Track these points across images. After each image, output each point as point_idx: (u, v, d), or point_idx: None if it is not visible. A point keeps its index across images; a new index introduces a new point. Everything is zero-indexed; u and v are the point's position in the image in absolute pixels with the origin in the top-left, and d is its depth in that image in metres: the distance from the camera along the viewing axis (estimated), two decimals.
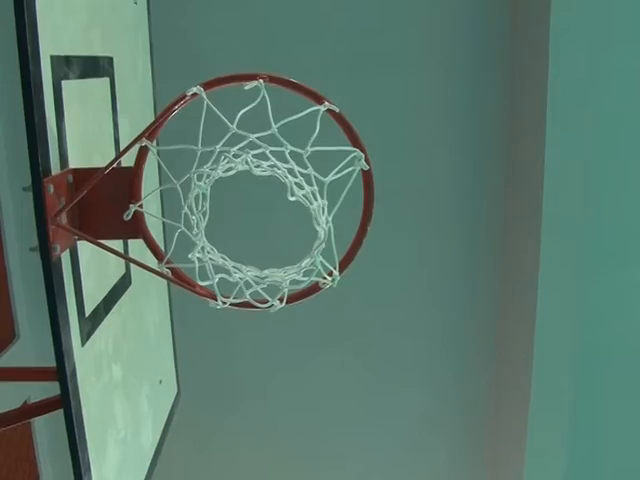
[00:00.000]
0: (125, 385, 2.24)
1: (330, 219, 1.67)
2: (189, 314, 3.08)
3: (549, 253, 3.54)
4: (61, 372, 1.70)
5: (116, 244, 1.94)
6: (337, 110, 1.68)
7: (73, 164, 1.76)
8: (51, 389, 1.75)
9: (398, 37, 3.74)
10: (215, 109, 1.62)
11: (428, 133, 3.88)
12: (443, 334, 4.21)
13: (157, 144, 1.79)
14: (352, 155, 1.67)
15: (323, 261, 1.70)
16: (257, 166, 1.60)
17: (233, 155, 1.60)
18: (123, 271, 2.26)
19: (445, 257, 4.08)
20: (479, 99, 3.82)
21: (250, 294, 1.64)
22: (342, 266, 1.74)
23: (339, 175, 1.65)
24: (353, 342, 4.17)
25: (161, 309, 2.87)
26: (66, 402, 1.70)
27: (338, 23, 3.75)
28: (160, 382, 2.76)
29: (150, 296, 2.67)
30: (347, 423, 4.31)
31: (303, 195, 1.62)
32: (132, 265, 2.25)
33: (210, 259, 1.62)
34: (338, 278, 1.72)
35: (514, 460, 4.00)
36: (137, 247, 1.96)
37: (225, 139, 1.60)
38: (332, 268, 1.71)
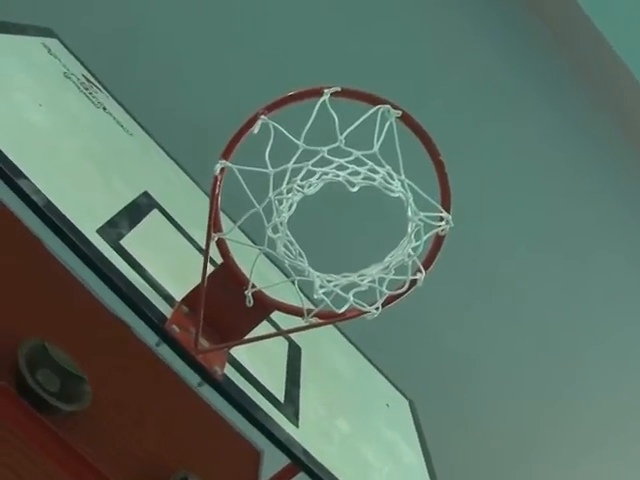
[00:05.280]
0: (357, 430, 2.26)
1: (403, 177, 1.63)
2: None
3: None
4: (297, 461, 1.75)
5: (263, 325, 1.97)
6: (339, 89, 1.64)
7: (178, 295, 1.82)
8: None
9: None
10: (246, 167, 1.62)
11: None
12: None
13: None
14: (380, 112, 1.63)
15: (426, 214, 1.66)
16: (309, 186, 1.59)
17: (286, 192, 1.60)
18: (286, 343, 2.30)
19: None
20: None
21: (387, 287, 1.62)
22: (445, 205, 1.70)
23: (382, 137, 1.61)
24: None
25: (343, 348, 2.89)
26: None
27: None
28: (387, 405, 2.78)
29: (325, 345, 2.70)
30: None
31: (362, 179, 1.59)
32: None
33: (334, 286, 1.62)
34: (450, 217, 1.68)
35: None
36: None
37: (271, 185, 1.61)
38: (439, 214, 1.67)
